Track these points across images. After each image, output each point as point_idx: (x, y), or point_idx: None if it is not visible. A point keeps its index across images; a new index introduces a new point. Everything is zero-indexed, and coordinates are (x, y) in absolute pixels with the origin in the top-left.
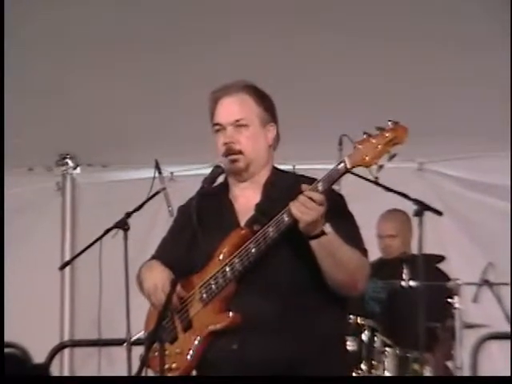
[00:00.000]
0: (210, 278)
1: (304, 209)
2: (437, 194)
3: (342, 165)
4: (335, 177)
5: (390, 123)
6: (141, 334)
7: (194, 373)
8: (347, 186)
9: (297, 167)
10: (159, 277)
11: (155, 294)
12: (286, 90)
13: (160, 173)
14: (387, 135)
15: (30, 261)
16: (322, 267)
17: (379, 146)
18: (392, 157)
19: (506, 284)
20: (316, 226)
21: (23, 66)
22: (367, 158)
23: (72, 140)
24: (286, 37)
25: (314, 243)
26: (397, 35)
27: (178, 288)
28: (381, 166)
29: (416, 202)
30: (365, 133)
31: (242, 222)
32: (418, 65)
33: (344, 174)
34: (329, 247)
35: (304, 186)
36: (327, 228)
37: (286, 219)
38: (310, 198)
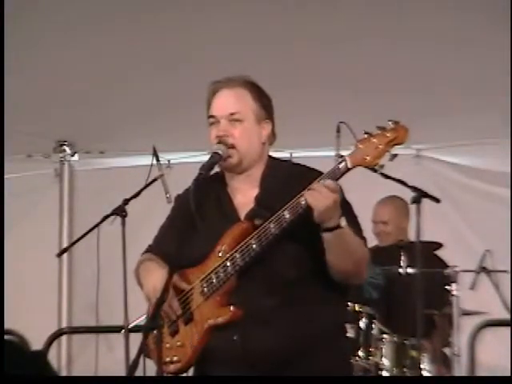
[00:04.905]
0: (211, 271)
1: (318, 195)
2: (434, 180)
3: (343, 164)
4: (336, 175)
5: (390, 123)
6: (139, 321)
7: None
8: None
9: (294, 155)
10: (158, 278)
11: (155, 295)
12: (284, 78)
13: (158, 160)
14: (388, 135)
15: (28, 247)
16: (329, 258)
17: (380, 146)
18: (393, 157)
19: (504, 271)
20: (332, 216)
21: (22, 53)
22: (368, 158)
23: (70, 127)
24: (287, 23)
25: (327, 235)
26: (397, 23)
27: (179, 280)
28: (382, 166)
29: (414, 189)
30: (366, 132)
31: (242, 216)
32: (417, 52)
33: (345, 173)
34: (341, 239)
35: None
36: (343, 221)
37: (288, 216)
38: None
